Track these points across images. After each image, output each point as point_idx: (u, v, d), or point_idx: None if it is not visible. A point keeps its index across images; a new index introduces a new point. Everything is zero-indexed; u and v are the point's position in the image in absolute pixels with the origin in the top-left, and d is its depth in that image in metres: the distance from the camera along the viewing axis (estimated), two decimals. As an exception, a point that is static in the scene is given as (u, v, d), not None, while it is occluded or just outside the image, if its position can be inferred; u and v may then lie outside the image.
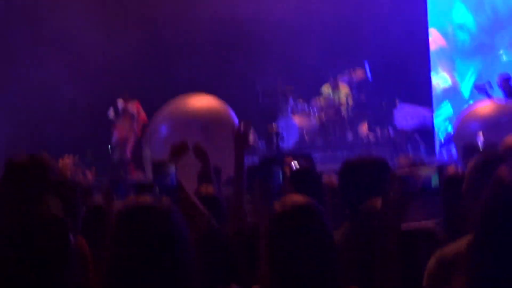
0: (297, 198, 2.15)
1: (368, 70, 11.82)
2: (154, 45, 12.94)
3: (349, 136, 11.29)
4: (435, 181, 2.30)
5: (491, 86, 10.53)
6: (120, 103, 11.34)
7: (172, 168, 2.99)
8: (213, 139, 6.79)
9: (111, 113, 11.33)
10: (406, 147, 10.75)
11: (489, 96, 10.23)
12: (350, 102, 11.68)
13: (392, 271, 2.33)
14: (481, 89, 10.65)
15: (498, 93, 10.36)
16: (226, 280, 2.28)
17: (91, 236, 3.09)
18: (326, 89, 11.96)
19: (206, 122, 7.40)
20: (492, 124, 8.14)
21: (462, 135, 8.51)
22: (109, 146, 11.31)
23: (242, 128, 3.44)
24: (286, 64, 12.58)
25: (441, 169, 2.39)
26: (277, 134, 9.82)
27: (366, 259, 2.46)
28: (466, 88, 12.81)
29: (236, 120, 7.60)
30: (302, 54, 12.34)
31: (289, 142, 10.33)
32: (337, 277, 2.04)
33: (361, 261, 2.49)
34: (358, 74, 11.88)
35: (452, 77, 13.21)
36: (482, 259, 1.68)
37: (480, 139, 6.29)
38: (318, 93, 12.09)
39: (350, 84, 11.92)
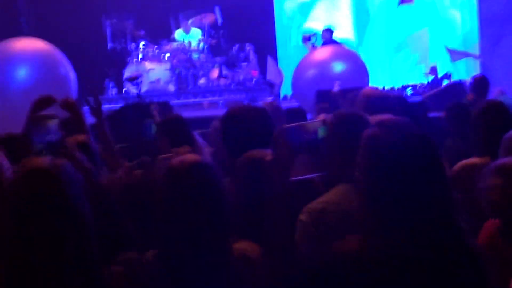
0: (191, 156, 2.16)
1: (219, 14, 11.81)
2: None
3: (202, 81, 11.23)
4: (321, 133, 2.41)
5: (316, 38, 11.67)
6: None
7: (54, 122, 2.85)
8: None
9: None
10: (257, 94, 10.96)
11: (314, 46, 11.26)
12: (201, 46, 11.62)
13: (279, 223, 2.39)
14: (308, 40, 11.74)
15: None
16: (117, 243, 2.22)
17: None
18: (179, 34, 11.79)
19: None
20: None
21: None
22: None
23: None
24: (135, 6, 12.26)
25: (325, 122, 2.44)
26: (137, 81, 9.55)
27: (253, 211, 2.50)
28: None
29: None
30: None
31: (140, 88, 10.06)
32: (228, 231, 2.10)
33: (249, 214, 2.52)
34: (209, 18, 11.86)
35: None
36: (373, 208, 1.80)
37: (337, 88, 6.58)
38: (168, 37, 11.91)
39: (201, 29, 11.85)
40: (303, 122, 2.45)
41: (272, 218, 2.39)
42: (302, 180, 2.47)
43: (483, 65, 11.52)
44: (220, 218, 2.07)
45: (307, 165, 2.45)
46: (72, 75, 7.17)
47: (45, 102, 3.34)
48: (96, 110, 3.46)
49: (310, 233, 2.38)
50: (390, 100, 3.74)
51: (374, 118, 2.50)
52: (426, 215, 1.77)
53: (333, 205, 2.41)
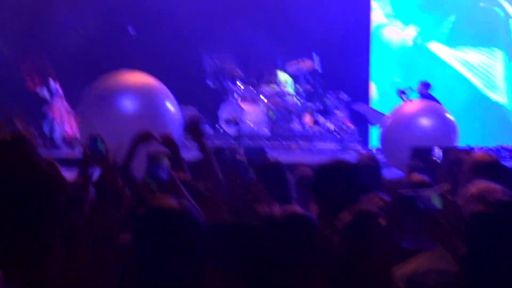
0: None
1: (317, 61, 12.04)
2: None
3: (295, 126, 11.43)
4: (438, 204, 2.34)
5: (411, 91, 11.46)
6: (52, 82, 11.43)
7: (166, 161, 2.98)
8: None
9: (44, 92, 11.43)
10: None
11: (409, 100, 10.93)
12: (297, 91, 11.88)
13: None
14: (402, 93, 11.49)
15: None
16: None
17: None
18: (276, 77, 12.09)
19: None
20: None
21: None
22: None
23: (193, 121, 3.63)
24: (235, 47, 12.64)
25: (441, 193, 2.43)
26: (237, 123, 9.83)
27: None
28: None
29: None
30: (252, 40, 12.52)
31: (237, 130, 10.35)
32: None
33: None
34: (306, 64, 12.09)
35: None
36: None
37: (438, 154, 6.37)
38: (265, 80, 12.20)
39: (298, 74, 12.10)
40: (420, 191, 2.44)
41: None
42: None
43: None
44: None
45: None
46: (175, 110, 7.37)
47: (144, 137, 3.52)
48: (203, 146, 3.56)
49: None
50: (503, 169, 3.68)
51: (482, 186, 2.47)
52: None
53: (428, 270, 2.43)
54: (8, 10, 12.02)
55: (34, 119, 11.17)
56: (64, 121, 11.27)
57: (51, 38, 12.08)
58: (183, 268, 2.02)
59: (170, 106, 7.38)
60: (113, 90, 7.32)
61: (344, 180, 2.98)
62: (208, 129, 11.21)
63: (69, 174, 3.35)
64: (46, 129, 11.23)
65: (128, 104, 7.21)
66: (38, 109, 11.46)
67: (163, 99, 7.32)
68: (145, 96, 7.26)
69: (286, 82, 12.04)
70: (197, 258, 2.05)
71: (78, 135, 10.86)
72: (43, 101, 11.44)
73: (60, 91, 11.45)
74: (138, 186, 3.25)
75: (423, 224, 2.39)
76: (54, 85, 11.42)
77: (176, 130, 7.11)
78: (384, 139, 8.94)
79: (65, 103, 11.40)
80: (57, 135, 11.21)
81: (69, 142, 11.12)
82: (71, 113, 11.20)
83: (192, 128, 3.62)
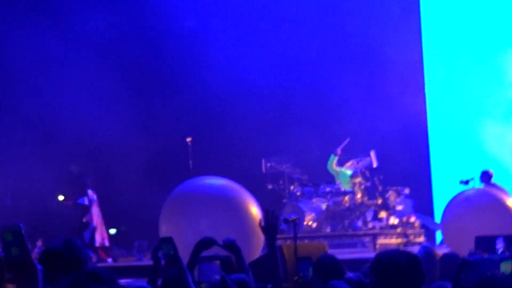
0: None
1: (375, 157, 12.22)
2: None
3: (358, 224, 11.51)
4: (506, 269, 2.38)
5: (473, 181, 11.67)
6: (90, 192, 12.06)
7: (218, 265, 3.15)
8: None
9: (85, 200, 11.97)
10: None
11: None
12: (357, 189, 11.95)
13: None
14: (466, 183, 11.58)
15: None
16: None
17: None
18: (336, 176, 12.32)
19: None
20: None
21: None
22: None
23: (268, 218, 3.69)
24: (292, 149, 13.13)
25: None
26: (295, 222, 10.04)
27: None
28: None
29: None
30: (308, 139, 13.07)
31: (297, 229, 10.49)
32: None
33: None
34: (365, 161, 12.27)
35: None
36: None
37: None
38: (324, 180, 12.44)
39: (357, 171, 12.22)
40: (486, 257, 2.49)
41: None
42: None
43: None
44: None
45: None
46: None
47: (207, 244, 3.73)
48: (273, 244, 3.72)
49: None
50: None
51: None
52: None
53: None
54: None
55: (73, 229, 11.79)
56: (96, 230, 11.81)
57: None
58: None
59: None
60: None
61: (405, 269, 3.01)
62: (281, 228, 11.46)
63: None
64: (87, 238, 11.64)
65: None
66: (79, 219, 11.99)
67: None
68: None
69: (345, 179, 12.17)
70: None
71: (107, 242, 12.03)
72: (84, 210, 11.94)
73: (96, 199, 12.03)
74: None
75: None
76: (92, 194, 11.99)
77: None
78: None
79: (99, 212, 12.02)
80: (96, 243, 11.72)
81: (94, 249, 11.59)
82: (103, 221, 11.98)
83: (269, 225, 3.75)
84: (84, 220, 11.81)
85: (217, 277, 3.22)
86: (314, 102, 13.91)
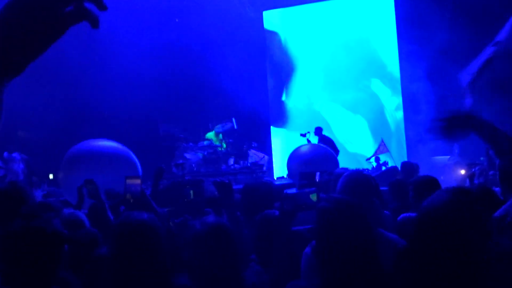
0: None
1: (235, 123, 15.73)
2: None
3: (223, 166, 14.19)
4: (313, 198, 3.06)
5: (310, 135, 14.40)
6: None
7: (139, 182, 3.85)
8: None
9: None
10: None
11: (309, 141, 14.15)
12: (223, 144, 15.32)
13: (284, 257, 3.10)
14: (303, 136, 14.66)
15: (314, 140, 14.39)
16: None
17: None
18: (209, 136, 15.62)
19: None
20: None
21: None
22: None
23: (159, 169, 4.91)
24: (180, 117, 16.44)
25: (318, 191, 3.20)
26: (183, 166, 12.43)
27: (267, 250, 3.22)
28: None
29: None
30: (192, 110, 16.58)
31: (183, 171, 12.75)
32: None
33: (262, 251, 3.26)
34: (228, 125, 15.66)
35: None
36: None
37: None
38: (202, 137, 15.44)
39: (223, 132, 15.61)
40: (300, 191, 3.19)
41: (279, 253, 3.06)
42: (300, 230, 3.19)
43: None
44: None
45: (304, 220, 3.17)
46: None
47: (160, 173, 4.82)
48: (154, 185, 4.78)
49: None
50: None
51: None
52: (355, 258, 2.31)
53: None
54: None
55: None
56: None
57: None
58: (153, 274, 2.28)
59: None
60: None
61: (259, 193, 3.91)
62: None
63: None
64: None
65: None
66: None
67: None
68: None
69: (216, 137, 15.40)
70: (164, 263, 2.33)
71: None
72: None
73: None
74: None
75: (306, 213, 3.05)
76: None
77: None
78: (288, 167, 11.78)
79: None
80: None
81: None
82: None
83: (157, 174, 4.77)
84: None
85: (138, 189, 3.76)
86: (198, 86, 16.98)
